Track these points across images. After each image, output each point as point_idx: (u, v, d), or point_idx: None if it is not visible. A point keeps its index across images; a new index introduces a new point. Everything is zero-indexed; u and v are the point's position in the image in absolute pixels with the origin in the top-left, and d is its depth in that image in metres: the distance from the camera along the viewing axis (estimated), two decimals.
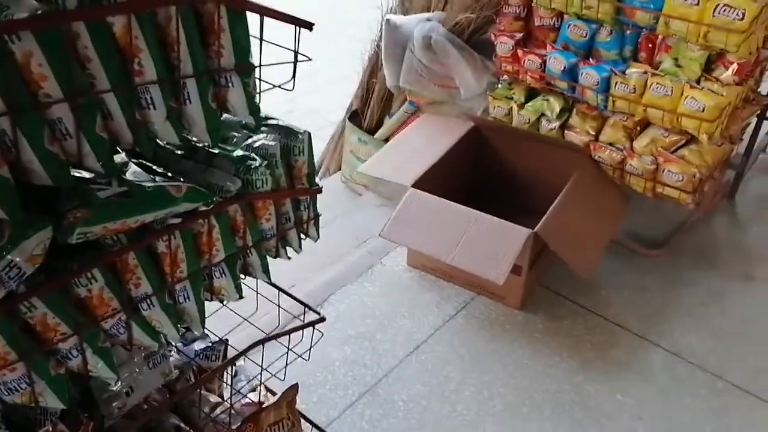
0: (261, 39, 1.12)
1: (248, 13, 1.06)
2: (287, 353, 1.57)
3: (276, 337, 1.51)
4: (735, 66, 2.23)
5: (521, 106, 2.72)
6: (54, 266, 1.00)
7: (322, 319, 1.59)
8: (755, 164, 3.24)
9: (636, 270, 2.70)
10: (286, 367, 1.59)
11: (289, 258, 1.43)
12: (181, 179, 1.13)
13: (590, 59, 2.47)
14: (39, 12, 0.84)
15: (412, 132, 2.88)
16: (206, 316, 1.29)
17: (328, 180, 3.52)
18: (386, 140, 3.13)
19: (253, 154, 1.24)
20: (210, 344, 1.59)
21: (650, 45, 2.37)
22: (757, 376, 2.25)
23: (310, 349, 1.60)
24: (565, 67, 2.48)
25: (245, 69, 1.08)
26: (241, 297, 1.34)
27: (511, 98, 2.75)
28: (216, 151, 1.24)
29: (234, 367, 1.68)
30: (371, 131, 3.28)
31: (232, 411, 1.57)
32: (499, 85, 2.84)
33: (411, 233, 2.38)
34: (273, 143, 1.26)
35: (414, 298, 2.56)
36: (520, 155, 2.77)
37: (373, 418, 2.10)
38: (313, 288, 2.58)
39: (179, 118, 1.06)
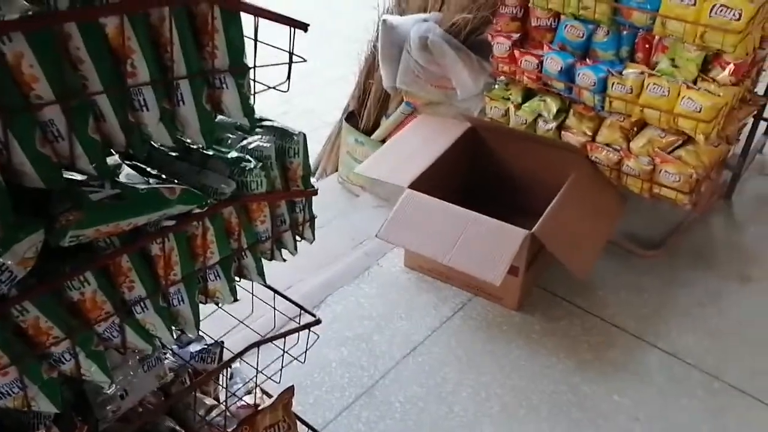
0: (255, 40, 1.12)
1: (243, 14, 1.05)
2: (282, 356, 1.57)
3: (271, 339, 1.51)
4: (732, 66, 2.23)
5: (518, 107, 2.72)
6: (46, 269, 0.99)
7: (318, 322, 1.58)
8: (752, 165, 3.24)
9: (633, 270, 2.70)
10: (281, 370, 1.58)
11: (284, 260, 1.42)
12: (175, 181, 1.12)
13: (587, 60, 2.47)
14: (30, 13, 0.83)
15: (408, 133, 2.87)
16: (201, 318, 1.28)
17: (325, 181, 3.52)
18: (383, 141, 3.13)
19: (247, 156, 1.23)
20: (205, 346, 1.58)
21: (647, 45, 2.37)
22: (753, 376, 2.25)
23: (305, 352, 1.59)
24: (561, 68, 2.48)
25: (239, 70, 1.07)
26: (235, 300, 1.33)
27: (508, 99, 2.75)
28: (210, 152, 1.23)
29: (229, 370, 1.68)
30: (368, 132, 3.27)
31: (228, 414, 1.56)
32: (496, 86, 2.83)
33: (408, 234, 2.37)
34: (268, 145, 1.25)
35: (411, 299, 2.56)
36: (517, 156, 2.77)
37: (370, 420, 2.10)
38: (310, 289, 2.57)
39: (173, 119, 1.05)
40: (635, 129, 2.52)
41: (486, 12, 2.76)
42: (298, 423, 1.78)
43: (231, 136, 1.29)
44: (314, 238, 1.46)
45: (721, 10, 2.08)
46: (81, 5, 0.87)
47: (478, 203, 2.39)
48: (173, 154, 1.24)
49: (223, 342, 1.61)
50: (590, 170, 2.59)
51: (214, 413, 1.56)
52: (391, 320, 2.46)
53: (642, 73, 2.33)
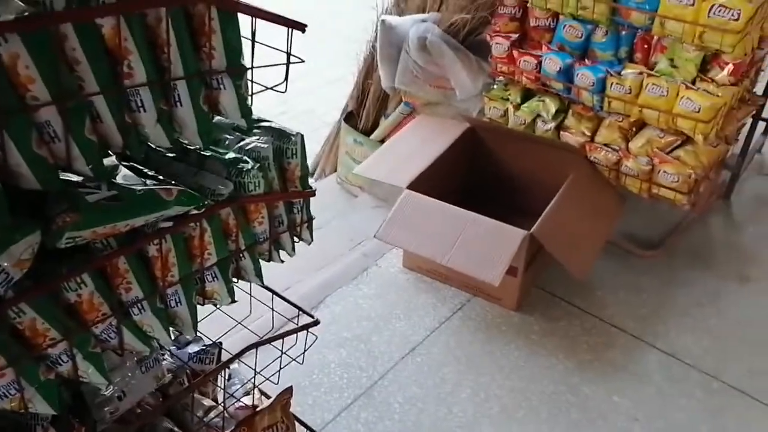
0: (253, 40, 1.12)
1: (240, 15, 1.05)
2: (281, 357, 1.56)
3: (269, 341, 1.51)
4: (730, 66, 2.23)
5: (517, 107, 2.72)
6: (43, 271, 0.99)
7: (316, 323, 1.58)
8: (751, 164, 3.24)
9: (632, 271, 2.70)
10: (279, 371, 1.58)
11: (282, 261, 1.42)
12: (173, 182, 1.12)
13: (586, 60, 2.47)
14: (26, 13, 0.83)
15: (407, 133, 2.87)
16: (199, 319, 1.28)
17: (324, 181, 3.51)
18: (382, 141, 3.12)
19: (245, 157, 1.23)
20: (203, 347, 1.58)
21: (646, 46, 2.37)
22: (752, 376, 2.25)
23: (303, 353, 1.59)
24: (560, 68, 2.48)
25: (237, 71, 1.07)
26: (233, 301, 1.33)
27: (507, 99, 2.75)
28: (208, 153, 1.23)
29: (228, 371, 1.68)
30: (367, 132, 3.27)
31: (226, 415, 1.56)
32: (495, 86, 2.83)
33: (406, 235, 2.37)
34: (265, 146, 1.25)
35: (409, 300, 2.55)
36: (515, 156, 2.76)
37: (369, 421, 2.09)
38: (308, 290, 2.57)
39: (170, 120, 1.05)
40: (634, 129, 2.52)
41: (484, 12, 2.76)
42: (297, 424, 1.77)
43: (228, 136, 1.29)
44: (312, 240, 1.46)
45: (719, 11, 2.08)
46: (77, 6, 0.87)
47: (476, 204, 2.39)
48: (170, 155, 1.24)
49: (221, 343, 1.61)
50: (589, 170, 2.59)
51: (212, 414, 1.55)
52: (390, 321, 2.46)
53: (641, 73, 2.33)
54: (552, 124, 2.65)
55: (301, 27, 1.12)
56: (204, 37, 1.02)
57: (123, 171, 1.10)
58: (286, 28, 1.12)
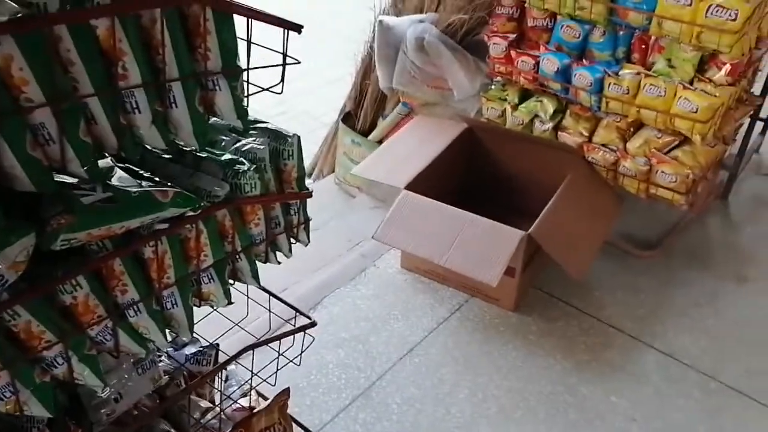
0: (249, 41, 1.11)
1: (235, 15, 1.04)
2: (278, 358, 1.56)
3: (266, 342, 1.50)
4: (728, 67, 2.23)
5: (515, 108, 2.72)
6: (38, 273, 0.99)
7: (313, 324, 1.57)
8: (748, 165, 3.24)
9: (629, 271, 2.70)
10: (276, 373, 1.57)
11: (279, 263, 1.42)
12: (168, 184, 1.11)
13: (583, 60, 2.46)
14: (19, 15, 0.82)
15: (405, 134, 2.87)
16: (196, 321, 1.27)
17: (322, 182, 3.51)
18: (380, 142, 3.12)
19: (241, 158, 1.23)
20: (200, 349, 1.58)
21: (643, 46, 2.37)
22: (750, 376, 2.25)
23: (301, 354, 1.58)
24: (558, 68, 2.48)
25: (232, 72, 1.07)
26: (230, 303, 1.32)
27: (505, 99, 2.75)
28: (203, 155, 1.23)
29: (225, 372, 1.67)
30: (365, 133, 3.27)
31: (223, 416, 1.56)
32: (493, 87, 2.83)
33: (404, 235, 2.37)
34: (262, 147, 1.25)
35: (407, 300, 2.55)
36: (513, 157, 2.76)
37: (367, 422, 2.09)
38: (306, 291, 2.57)
39: (165, 122, 1.04)
40: (632, 129, 2.52)
41: (482, 12, 2.76)
42: (294, 425, 1.77)
43: (224, 138, 1.28)
44: (309, 241, 1.45)
45: (717, 11, 2.08)
46: (71, 7, 0.87)
47: (474, 204, 2.39)
48: (166, 156, 1.23)
49: (218, 344, 1.60)
50: (587, 171, 2.59)
51: (209, 416, 1.55)
52: (388, 321, 2.45)
53: (638, 73, 2.33)
54: (550, 125, 2.65)
55: (297, 28, 1.12)
56: (199, 38, 1.01)
57: (118, 173, 1.09)
58: (282, 29, 1.12)
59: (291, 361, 1.59)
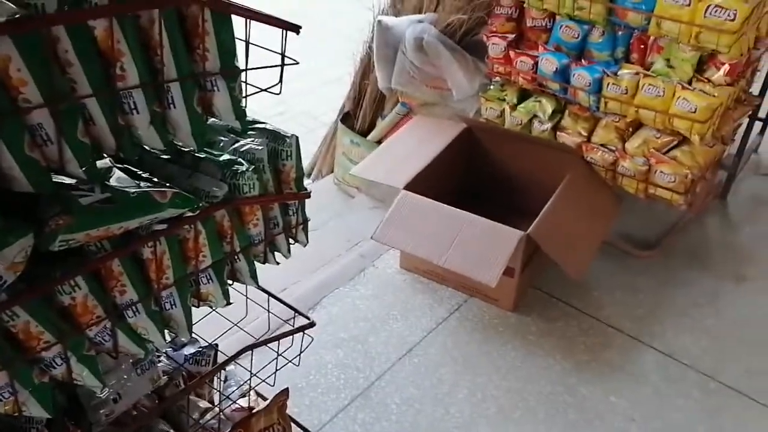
0: (247, 42, 1.11)
1: (234, 16, 1.04)
2: (277, 358, 1.56)
3: (265, 342, 1.50)
4: (726, 67, 2.23)
5: (513, 108, 2.72)
6: (36, 274, 0.98)
7: (312, 324, 1.57)
8: (747, 165, 3.24)
9: (628, 271, 2.70)
10: (275, 373, 1.57)
11: (277, 263, 1.42)
12: (167, 185, 1.11)
13: (582, 60, 2.47)
14: (17, 15, 0.82)
15: (404, 134, 2.87)
16: (195, 321, 1.27)
17: (321, 182, 3.51)
18: (379, 142, 3.12)
19: (239, 159, 1.23)
20: (199, 349, 1.58)
21: (642, 46, 2.37)
22: (749, 376, 2.25)
23: (299, 354, 1.58)
24: (557, 69, 2.48)
25: (231, 73, 1.07)
26: (228, 303, 1.32)
27: (504, 100, 2.75)
28: (202, 155, 1.23)
29: (224, 373, 1.67)
30: (363, 133, 3.27)
31: (222, 416, 1.56)
32: (492, 87, 2.83)
33: (403, 236, 2.37)
34: (260, 147, 1.25)
35: (406, 300, 2.55)
36: (512, 157, 2.76)
37: (366, 422, 2.09)
38: (305, 291, 2.57)
39: (164, 122, 1.04)
40: (630, 129, 2.52)
41: (481, 13, 2.76)
42: (294, 425, 1.77)
43: (223, 138, 1.28)
44: (308, 241, 1.45)
45: (715, 11, 2.08)
46: (69, 8, 0.87)
47: (473, 204, 2.38)
48: (164, 157, 1.23)
49: (217, 345, 1.61)
50: (585, 171, 2.59)
51: (208, 416, 1.55)
52: (387, 322, 2.45)
53: (637, 73, 2.33)
54: (548, 125, 2.65)
55: (295, 28, 1.12)
56: (197, 39, 1.01)
57: (116, 173, 1.09)
58: (280, 30, 1.12)
59: (290, 361, 1.59)
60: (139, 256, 1.12)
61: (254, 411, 1.59)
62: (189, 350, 1.56)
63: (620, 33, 2.39)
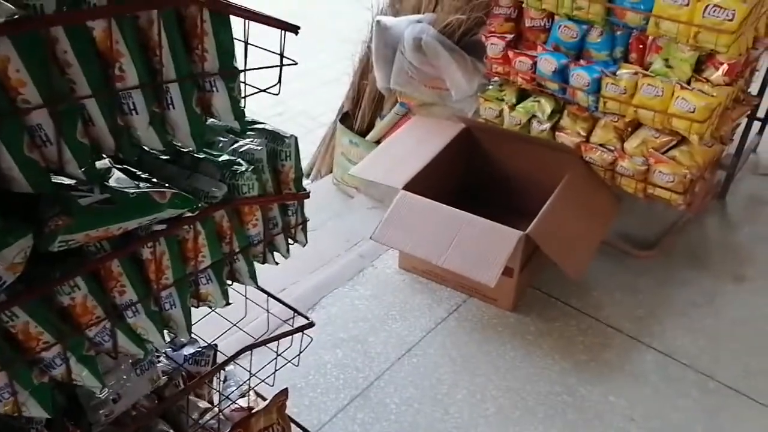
0: (246, 42, 1.11)
1: (233, 17, 1.05)
2: (276, 359, 1.56)
3: (265, 342, 1.50)
4: (725, 66, 2.23)
5: (512, 108, 2.72)
6: (35, 274, 0.99)
7: (311, 325, 1.58)
8: (746, 164, 3.24)
9: (627, 271, 2.70)
10: (275, 373, 1.58)
11: (276, 263, 1.42)
12: (166, 185, 1.11)
13: (581, 60, 2.47)
14: (16, 16, 0.82)
15: (403, 134, 2.87)
16: (194, 321, 1.28)
17: (320, 182, 3.51)
18: (377, 142, 3.12)
19: (239, 159, 1.23)
20: (199, 349, 1.58)
21: (641, 46, 2.37)
22: (748, 376, 2.25)
23: (299, 354, 1.58)
24: (555, 68, 2.48)
25: (230, 73, 1.07)
26: (228, 303, 1.32)
27: (502, 100, 2.75)
28: (201, 156, 1.23)
29: (223, 373, 1.67)
30: (362, 133, 3.27)
31: (222, 417, 1.56)
32: (490, 87, 2.83)
33: (402, 236, 2.37)
34: (259, 148, 1.25)
35: (405, 300, 2.55)
36: (511, 157, 2.77)
37: (365, 422, 2.09)
38: (304, 291, 2.57)
39: (163, 123, 1.04)
40: (629, 129, 2.52)
41: (480, 13, 2.76)
42: (293, 425, 1.77)
43: (222, 139, 1.28)
44: (307, 242, 1.46)
45: (714, 11, 2.08)
46: (68, 8, 0.87)
47: (472, 204, 2.39)
48: (164, 157, 1.23)
49: (216, 345, 1.61)
50: (584, 171, 2.60)
51: (207, 416, 1.55)
52: (386, 322, 2.45)
53: (636, 73, 2.34)
54: (547, 125, 2.65)
55: (294, 29, 1.12)
56: (196, 40, 1.02)
57: (116, 174, 1.09)
58: (279, 30, 1.12)
59: (289, 361, 1.59)
60: (138, 257, 1.12)
61: (254, 411, 1.60)
62: (188, 350, 1.57)
63: (619, 33, 2.39)
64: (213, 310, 1.43)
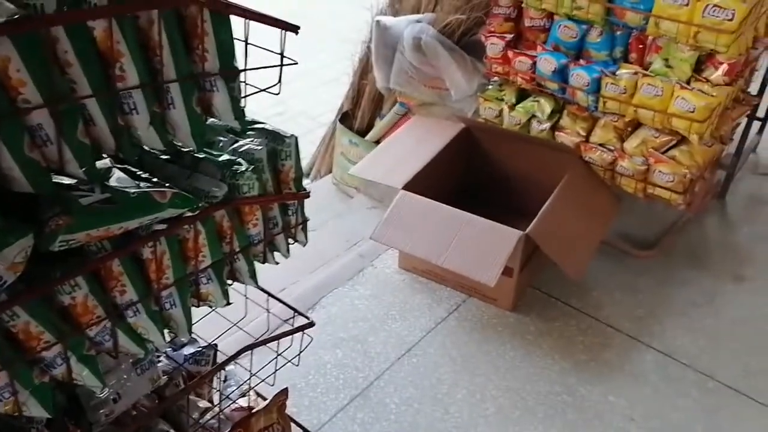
0: (246, 42, 1.11)
1: (233, 16, 1.05)
2: (276, 358, 1.56)
3: (265, 342, 1.50)
4: (725, 66, 2.23)
5: (512, 108, 2.72)
6: (36, 274, 0.99)
7: (312, 324, 1.58)
8: (745, 164, 3.25)
9: (627, 271, 2.70)
10: (275, 373, 1.58)
11: (277, 263, 1.42)
12: (166, 185, 1.11)
13: (581, 60, 2.47)
14: (16, 16, 0.83)
15: (402, 134, 2.87)
16: (194, 321, 1.28)
17: (319, 182, 3.51)
18: (377, 142, 3.12)
19: (239, 159, 1.23)
20: (199, 349, 1.58)
21: (640, 45, 2.37)
22: (747, 376, 2.25)
23: (299, 354, 1.59)
24: (555, 68, 2.48)
25: (230, 73, 1.07)
26: (228, 303, 1.32)
27: (502, 99, 2.75)
28: (201, 155, 1.23)
29: (223, 372, 1.67)
30: (362, 133, 3.27)
31: (222, 416, 1.56)
32: (490, 87, 2.83)
33: (402, 236, 2.37)
34: (259, 148, 1.25)
35: (405, 300, 2.55)
36: (511, 157, 2.77)
37: (365, 422, 2.09)
38: (304, 291, 2.57)
39: (163, 123, 1.05)
40: (629, 129, 2.52)
41: (479, 13, 2.76)
42: (293, 425, 1.77)
43: (222, 139, 1.29)
44: (307, 241, 1.46)
45: (714, 11, 2.08)
46: (68, 8, 0.87)
47: (472, 204, 2.39)
48: (164, 157, 1.23)
49: (216, 345, 1.61)
50: (584, 171, 2.60)
51: (208, 416, 1.55)
52: (386, 321, 2.46)
53: (635, 73, 2.34)
54: (547, 125, 2.65)
55: (294, 28, 1.12)
56: (196, 39, 1.02)
57: (116, 173, 1.09)
58: (279, 30, 1.12)
59: (290, 361, 1.60)
60: (139, 256, 1.12)
61: (254, 411, 1.60)
62: (189, 350, 1.57)
63: (618, 33, 2.39)
64: (213, 310, 1.43)
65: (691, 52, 2.25)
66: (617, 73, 2.37)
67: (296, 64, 1.15)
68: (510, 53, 2.60)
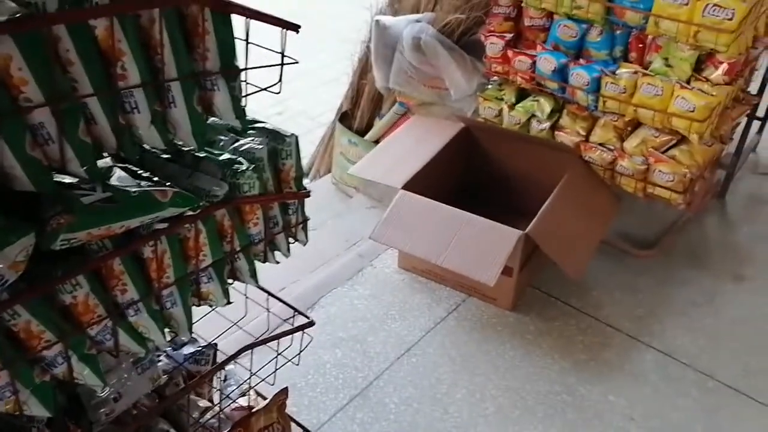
0: (247, 41, 1.11)
1: (234, 15, 1.05)
2: (276, 358, 1.56)
3: (265, 341, 1.51)
4: (725, 66, 2.23)
5: (512, 107, 2.72)
6: (37, 273, 0.99)
7: (312, 324, 1.58)
8: (745, 164, 3.25)
9: (627, 270, 2.70)
10: (275, 372, 1.58)
11: (277, 262, 1.42)
12: (167, 184, 1.11)
13: (580, 59, 2.47)
14: (18, 15, 0.83)
15: (402, 134, 2.87)
16: (195, 320, 1.28)
17: (319, 182, 3.51)
18: (376, 142, 3.12)
19: (240, 158, 1.23)
20: (199, 348, 1.58)
21: (640, 45, 2.37)
22: (747, 375, 2.25)
23: (299, 354, 1.59)
24: (555, 68, 2.48)
25: (231, 72, 1.07)
26: (228, 302, 1.33)
27: (502, 99, 2.75)
28: (202, 155, 1.23)
29: (223, 372, 1.67)
30: (361, 133, 3.27)
31: (222, 416, 1.56)
32: (490, 86, 2.83)
33: (401, 235, 2.37)
34: (260, 147, 1.25)
35: (405, 300, 2.55)
36: (510, 156, 2.77)
37: (364, 422, 2.09)
38: (303, 291, 2.57)
39: (164, 121, 1.05)
40: (629, 129, 2.53)
41: (479, 12, 2.76)
42: (293, 424, 1.77)
43: (223, 138, 1.29)
44: (307, 240, 1.46)
45: (713, 10, 2.09)
46: (70, 7, 0.87)
47: (472, 204, 2.39)
48: (165, 156, 1.23)
49: (216, 344, 1.61)
50: (584, 170, 2.60)
51: (208, 415, 1.55)
52: (385, 321, 2.46)
53: (635, 72, 2.34)
54: (547, 124, 2.65)
55: (295, 27, 1.12)
56: (197, 38, 1.02)
57: (118, 172, 1.09)
58: (280, 29, 1.12)
59: (290, 360, 1.60)
60: (140, 255, 1.12)
61: (254, 410, 1.60)
62: (189, 349, 1.56)
63: (618, 32, 2.39)
64: (213, 309, 1.43)
65: (690, 52, 2.25)
66: (617, 72, 2.37)
67: (297, 63, 1.15)
68: (510, 53, 2.60)
